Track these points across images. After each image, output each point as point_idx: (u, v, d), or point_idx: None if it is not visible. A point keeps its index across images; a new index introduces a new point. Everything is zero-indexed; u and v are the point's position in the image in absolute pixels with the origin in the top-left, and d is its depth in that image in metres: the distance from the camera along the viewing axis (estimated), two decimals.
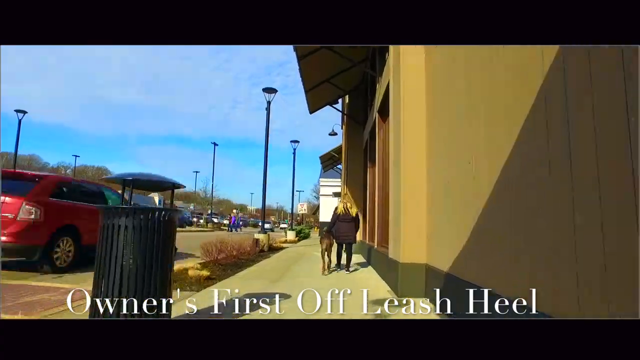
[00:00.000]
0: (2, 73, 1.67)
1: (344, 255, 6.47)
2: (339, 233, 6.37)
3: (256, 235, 10.00)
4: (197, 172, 46.14)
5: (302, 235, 20.38)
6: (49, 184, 5.48)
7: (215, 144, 35.39)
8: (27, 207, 4.91)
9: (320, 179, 37.97)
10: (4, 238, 4.62)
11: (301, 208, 27.97)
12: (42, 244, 4.98)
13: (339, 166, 22.15)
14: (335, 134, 16.25)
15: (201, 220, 36.85)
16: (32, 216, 4.92)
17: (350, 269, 6.41)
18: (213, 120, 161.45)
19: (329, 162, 22.14)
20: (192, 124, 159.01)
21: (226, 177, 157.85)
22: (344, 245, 6.46)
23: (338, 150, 17.60)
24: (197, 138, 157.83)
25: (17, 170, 7.06)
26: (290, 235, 17.63)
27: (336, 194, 25.36)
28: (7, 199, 4.82)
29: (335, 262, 6.55)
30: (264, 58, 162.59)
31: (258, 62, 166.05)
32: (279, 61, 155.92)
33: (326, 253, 6.13)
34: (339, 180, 30.54)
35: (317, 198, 48.57)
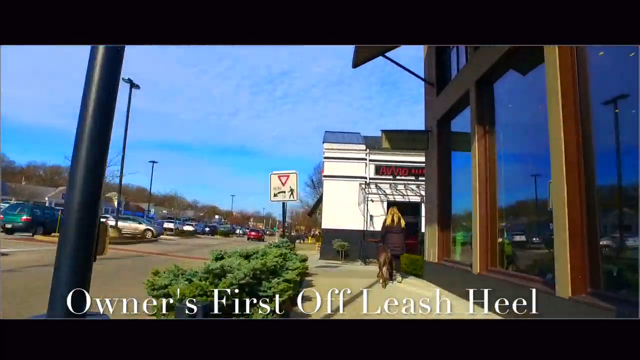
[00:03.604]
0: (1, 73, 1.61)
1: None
2: (388, 244, 6.45)
3: None
4: (153, 161, 38.21)
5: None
6: None
7: (131, 85, 18.84)
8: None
9: (325, 145, 15.76)
10: None
11: (275, 191, 7.16)
12: None
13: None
14: None
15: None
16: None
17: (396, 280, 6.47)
18: (212, 126, 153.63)
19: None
20: (190, 130, 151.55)
21: (218, 185, 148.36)
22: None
23: None
24: (196, 145, 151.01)
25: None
26: None
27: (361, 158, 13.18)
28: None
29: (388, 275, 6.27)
30: (267, 66, 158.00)
31: (260, 71, 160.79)
32: (281, 70, 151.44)
33: (385, 267, 6.08)
34: (361, 144, 15.13)
35: (317, 187, 29.87)
